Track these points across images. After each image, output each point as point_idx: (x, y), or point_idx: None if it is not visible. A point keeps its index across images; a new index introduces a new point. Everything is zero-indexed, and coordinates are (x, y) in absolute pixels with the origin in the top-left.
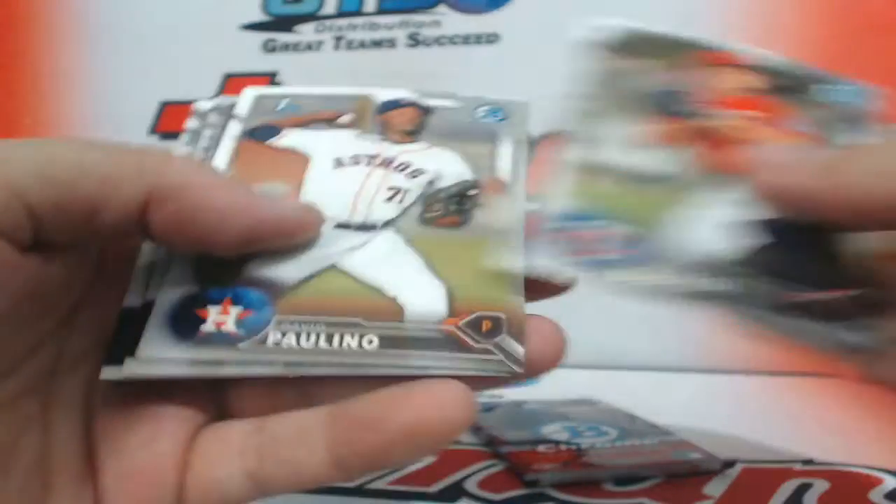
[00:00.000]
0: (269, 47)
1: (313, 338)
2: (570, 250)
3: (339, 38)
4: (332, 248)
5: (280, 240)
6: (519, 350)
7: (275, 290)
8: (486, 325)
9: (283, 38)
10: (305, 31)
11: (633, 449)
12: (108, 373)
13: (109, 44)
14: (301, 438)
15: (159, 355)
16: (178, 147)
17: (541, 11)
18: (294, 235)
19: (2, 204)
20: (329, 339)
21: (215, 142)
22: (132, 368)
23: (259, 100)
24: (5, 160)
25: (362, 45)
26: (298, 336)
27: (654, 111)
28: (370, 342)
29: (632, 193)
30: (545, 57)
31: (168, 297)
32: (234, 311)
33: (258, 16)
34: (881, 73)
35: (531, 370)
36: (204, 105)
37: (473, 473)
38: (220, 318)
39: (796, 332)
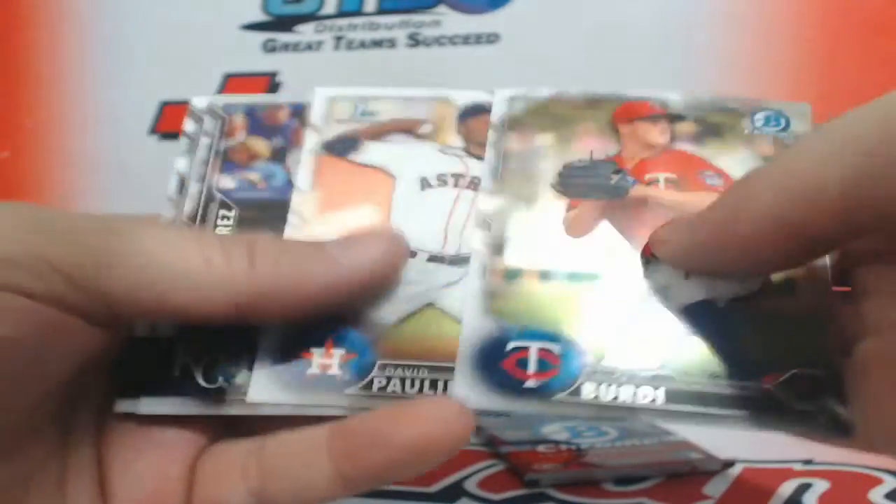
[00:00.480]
0: (269, 47)
1: (417, 384)
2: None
3: (339, 38)
4: (428, 285)
5: (364, 291)
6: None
7: (373, 331)
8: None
9: (283, 38)
10: (305, 31)
11: (633, 449)
12: (125, 406)
13: (109, 44)
14: (305, 456)
15: (270, 400)
16: (178, 159)
17: (541, 11)
18: (378, 286)
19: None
20: (433, 385)
21: (215, 153)
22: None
23: (332, 103)
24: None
25: (362, 45)
26: (403, 382)
27: (567, 193)
28: None
29: (556, 299)
30: (545, 57)
31: (270, 339)
32: (338, 353)
33: (258, 16)
34: (881, 74)
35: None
36: (199, 103)
37: (473, 473)
38: (325, 360)
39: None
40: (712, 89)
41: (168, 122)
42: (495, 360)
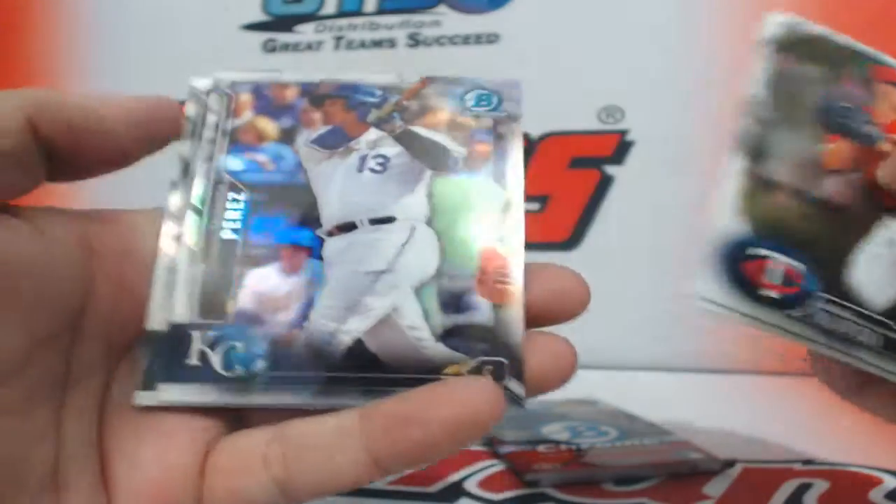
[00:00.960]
0: (269, 47)
1: None
2: (732, 280)
3: (339, 38)
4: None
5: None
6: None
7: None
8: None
9: (283, 38)
10: (305, 31)
11: (633, 449)
12: (145, 398)
13: (109, 43)
14: (334, 442)
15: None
16: (181, 144)
17: (541, 11)
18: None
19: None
20: None
21: (221, 133)
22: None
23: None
24: None
25: (362, 45)
26: None
27: (827, 126)
28: None
29: (807, 220)
30: (545, 57)
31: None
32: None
33: (258, 16)
34: None
35: (540, 390)
36: (201, 84)
37: (473, 473)
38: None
39: None
40: None
41: None
42: (738, 260)
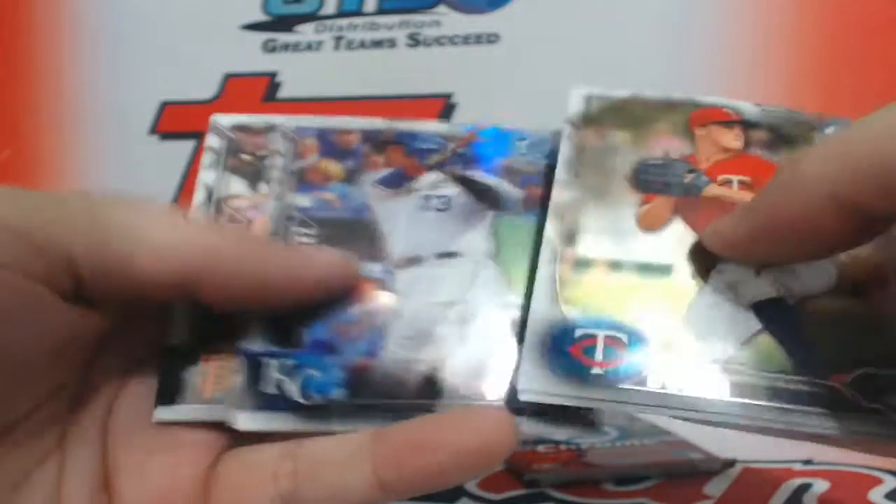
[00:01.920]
0: (269, 47)
1: None
2: (559, 367)
3: (339, 38)
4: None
5: (324, 291)
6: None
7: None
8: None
9: (283, 38)
10: (305, 31)
11: (633, 449)
12: (164, 413)
13: (109, 44)
14: (345, 462)
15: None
16: (205, 172)
17: (541, 11)
18: (335, 287)
19: (51, 262)
20: None
21: (290, 173)
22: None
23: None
24: (54, 220)
25: (362, 45)
26: None
27: (641, 188)
28: None
29: (627, 289)
30: (545, 57)
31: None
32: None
33: (258, 16)
34: (881, 74)
35: None
36: (223, 120)
37: None
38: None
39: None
40: (782, 102)
41: (168, 122)
42: (563, 346)
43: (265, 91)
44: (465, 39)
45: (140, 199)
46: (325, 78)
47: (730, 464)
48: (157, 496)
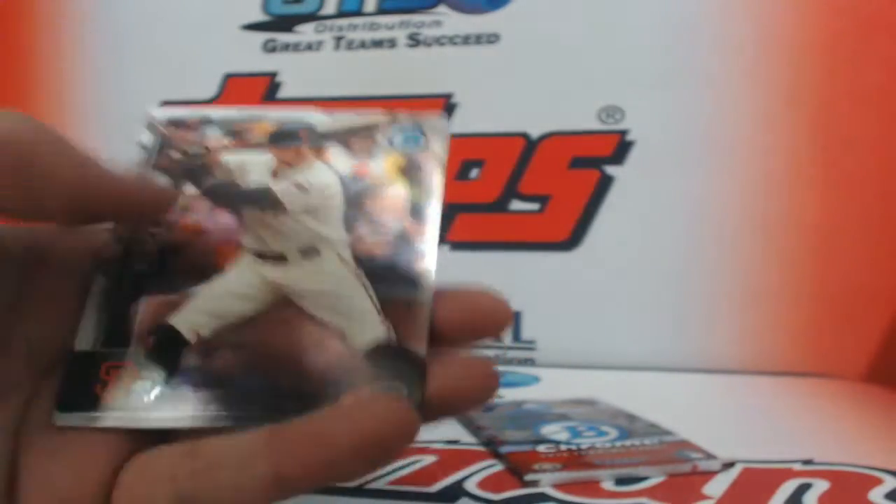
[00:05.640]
0: (269, 47)
1: None
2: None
3: (339, 38)
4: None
5: (118, 210)
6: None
7: None
8: None
9: (283, 38)
10: (305, 31)
11: (633, 449)
12: (66, 419)
13: (109, 44)
14: (243, 459)
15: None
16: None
17: (541, 11)
18: (132, 208)
19: None
20: None
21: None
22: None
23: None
24: None
25: (362, 45)
26: None
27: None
28: None
29: None
30: (545, 57)
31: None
32: None
33: (258, 16)
34: (881, 74)
35: (451, 410)
36: (182, 115)
37: (473, 473)
38: None
39: None
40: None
41: None
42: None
43: (265, 91)
44: (465, 39)
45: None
46: (325, 78)
47: (730, 464)
48: (58, 501)
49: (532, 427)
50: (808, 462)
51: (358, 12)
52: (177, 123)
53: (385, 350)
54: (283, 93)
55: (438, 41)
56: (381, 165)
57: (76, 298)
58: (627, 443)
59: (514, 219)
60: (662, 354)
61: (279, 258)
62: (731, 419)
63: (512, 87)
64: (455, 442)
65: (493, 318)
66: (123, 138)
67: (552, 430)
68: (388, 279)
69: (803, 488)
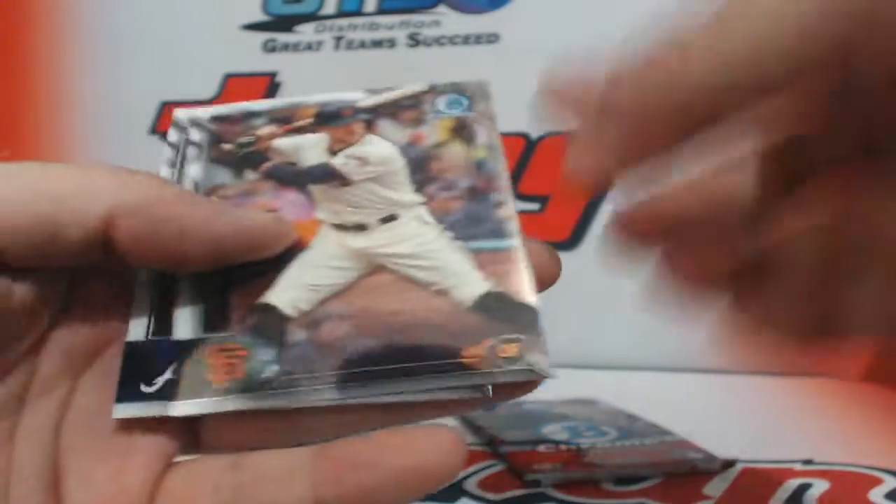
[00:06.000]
0: (269, 47)
1: None
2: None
3: (339, 38)
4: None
5: (250, 253)
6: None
7: None
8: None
9: (283, 38)
10: (305, 31)
11: (633, 449)
12: (123, 410)
13: (109, 44)
14: (285, 478)
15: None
16: (162, 167)
17: (541, 11)
18: (263, 248)
19: None
20: None
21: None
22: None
23: None
24: None
25: (362, 45)
26: None
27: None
28: None
29: None
30: (545, 57)
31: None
32: None
33: (258, 16)
34: None
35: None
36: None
37: (473, 473)
38: None
39: None
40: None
41: (168, 122)
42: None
43: (265, 91)
44: (465, 39)
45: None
46: (325, 78)
47: (730, 464)
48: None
49: (532, 427)
50: (808, 462)
51: (358, 12)
52: (221, 119)
53: (494, 301)
54: (283, 93)
55: (438, 41)
56: (435, 130)
57: (115, 297)
58: (627, 443)
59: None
60: (662, 354)
61: (359, 227)
62: (731, 419)
63: (512, 87)
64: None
65: (548, 272)
66: (124, 138)
67: (552, 430)
68: (475, 234)
69: (803, 488)
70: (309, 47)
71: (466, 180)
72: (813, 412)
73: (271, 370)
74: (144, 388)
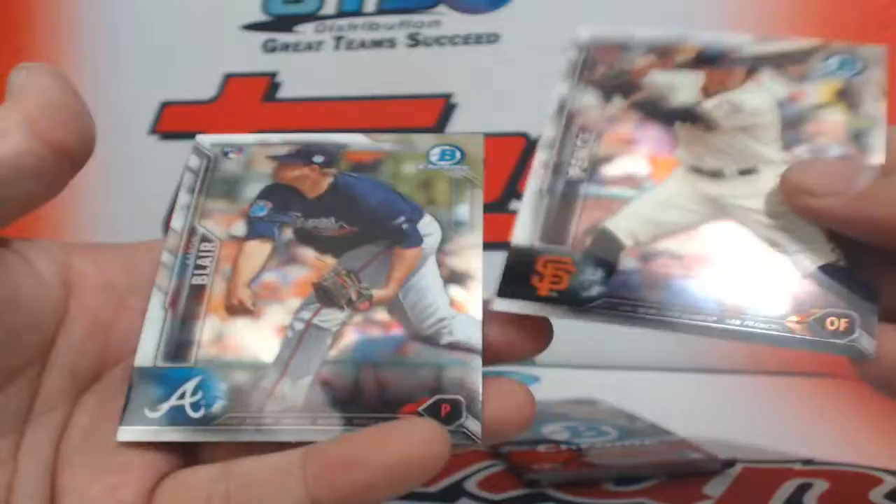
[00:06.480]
0: (269, 47)
1: None
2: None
3: (339, 38)
4: None
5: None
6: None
7: None
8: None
9: (283, 38)
10: (305, 31)
11: (633, 449)
12: (127, 434)
13: (109, 44)
14: (276, 481)
15: None
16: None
17: (541, 11)
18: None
19: None
20: None
21: None
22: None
23: None
24: None
25: (362, 45)
26: None
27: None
28: None
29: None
30: (545, 57)
31: None
32: None
33: (258, 16)
34: None
35: (497, 434)
36: (206, 140)
37: (473, 473)
38: None
39: None
40: None
41: (168, 122)
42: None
43: (265, 91)
44: (465, 39)
45: None
46: (325, 78)
47: (730, 464)
48: None
49: (532, 427)
50: (808, 462)
51: (358, 12)
52: (601, 41)
53: (835, 275)
54: (283, 93)
55: (438, 41)
56: (818, 90)
57: (124, 317)
58: (627, 443)
59: (514, 219)
60: (662, 354)
61: (716, 174)
62: (731, 419)
63: (512, 87)
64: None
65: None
66: (124, 138)
67: (552, 430)
68: None
69: (803, 488)
70: (309, 47)
71: (839, 149)
72: (813, 412)
73: (596, 290)
74: (149, 414)
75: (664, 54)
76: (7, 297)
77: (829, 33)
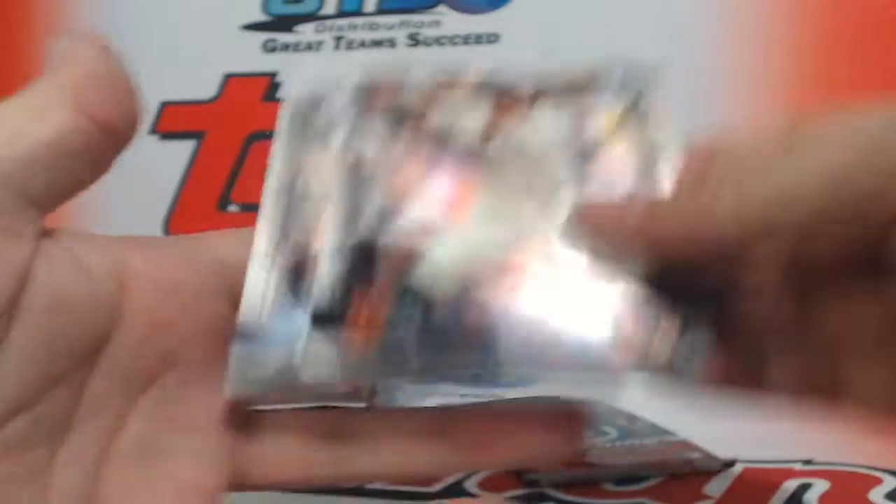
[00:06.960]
0: (269, 47)
1: None
2: None
3: (339, 38)
4: None
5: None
6: None
7: None
8: None
9: (283, 38)
10: (305, 31)
11: (633, 449)
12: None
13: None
14: None
15: None
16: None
17: (541, 11)
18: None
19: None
20: None
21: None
22: None
23: None
24: None
25: (362, 44)
26: None
27: None
28: None
29: None
30: (545, 57)
31: None
32: None
33: (258, 16)
34: (881, 73)
35: None
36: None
37: (473, 473)
38: None
39: None
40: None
41: (168, 122)
42: None
43: (265, 91)
44: (465, 39)
45: None
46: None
47: (730, 464)
48: None
49: None
50: (808, 462)
51: (358, 12)
52: (376, 80)
53: (647, 302)
54: (283, 93)
55: (438, 41)
56: (600, 122)
57: (184, 318)
58: (627, 443)
59: None
60: None
61: (512, 214)
62: (730, 419)
63: None
64: None
65: None
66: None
67: None
68: None
69: (803, 488)
70: (309, 47)
71: (628, 180)
72: (813, 412)
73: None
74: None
75: (446, 86)
76: (52, 298)
77: (830, 33)
